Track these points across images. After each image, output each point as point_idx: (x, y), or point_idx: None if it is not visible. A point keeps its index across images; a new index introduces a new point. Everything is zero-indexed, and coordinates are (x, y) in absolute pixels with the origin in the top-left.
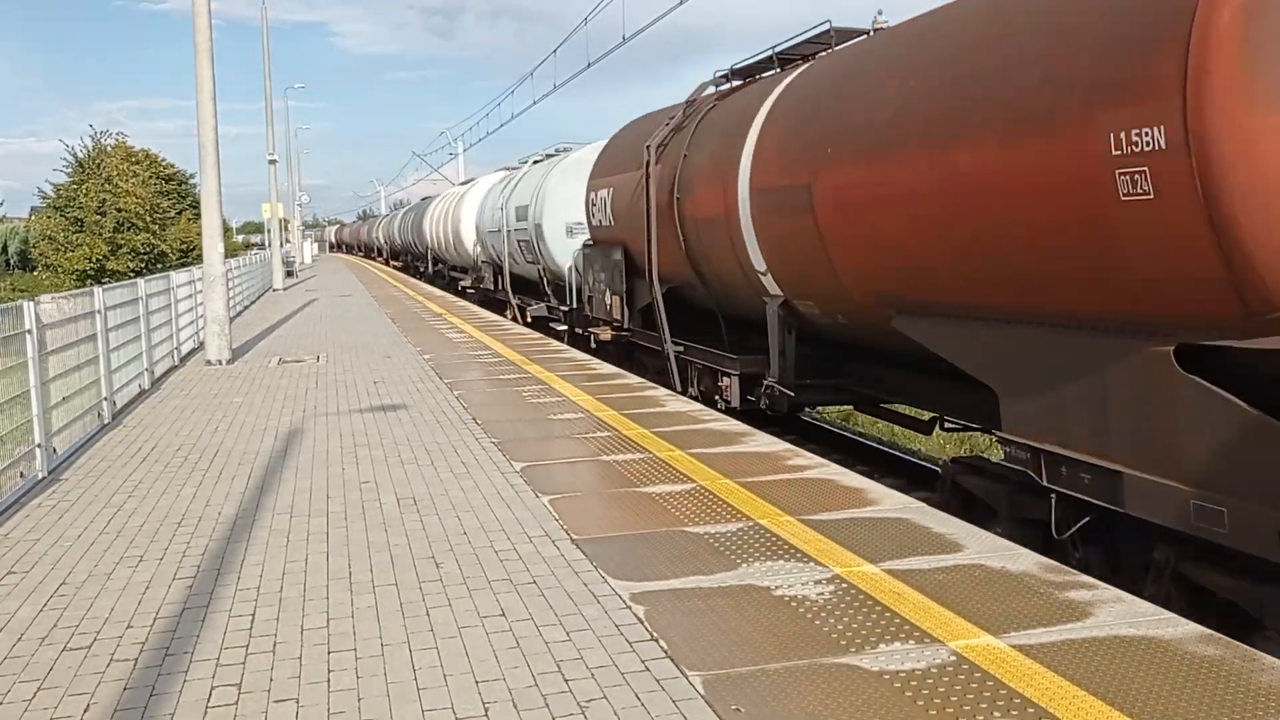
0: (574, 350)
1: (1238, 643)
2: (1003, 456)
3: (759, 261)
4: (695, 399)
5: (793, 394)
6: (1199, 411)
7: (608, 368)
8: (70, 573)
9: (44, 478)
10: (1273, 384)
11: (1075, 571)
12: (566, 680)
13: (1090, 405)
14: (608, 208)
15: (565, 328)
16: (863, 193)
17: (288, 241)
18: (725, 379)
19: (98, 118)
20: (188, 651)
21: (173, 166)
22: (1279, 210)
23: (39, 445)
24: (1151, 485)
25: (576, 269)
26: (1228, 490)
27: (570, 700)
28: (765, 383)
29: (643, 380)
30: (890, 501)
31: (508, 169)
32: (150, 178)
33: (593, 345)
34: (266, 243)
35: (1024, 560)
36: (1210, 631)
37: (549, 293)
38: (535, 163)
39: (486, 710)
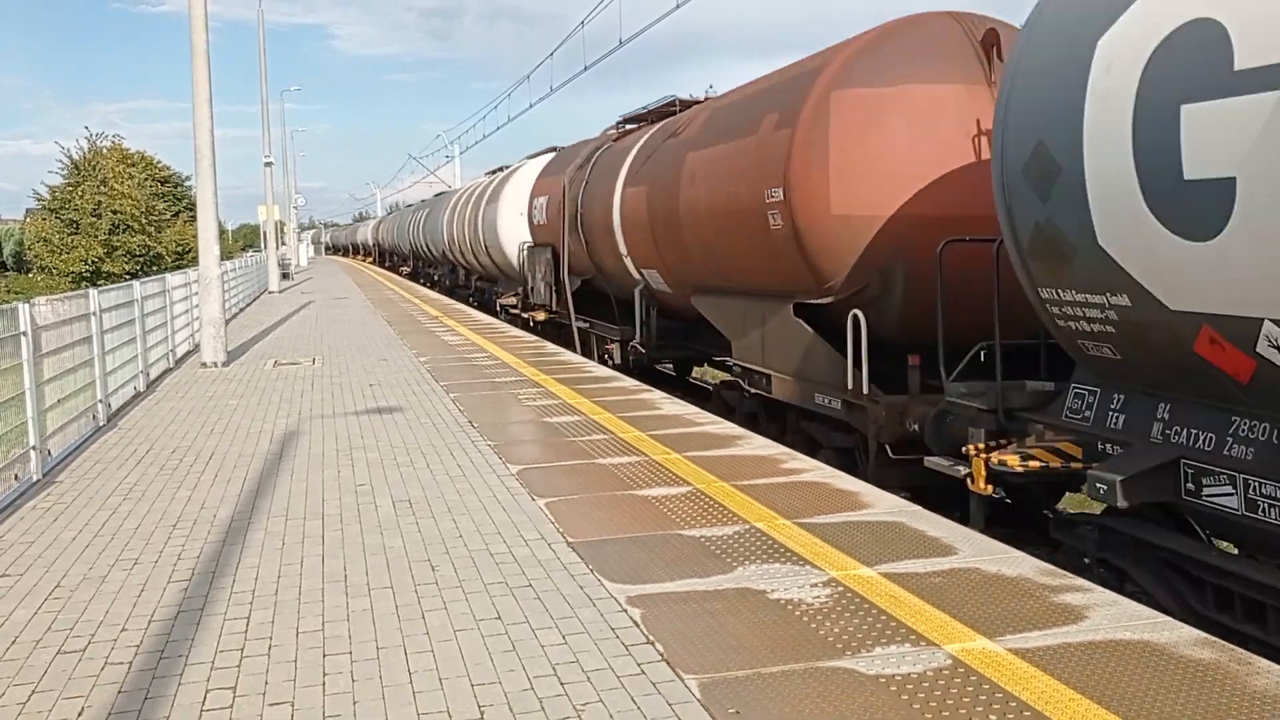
0: (569, 353)
1: (1233, 647)
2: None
3: (630, 261)
4: (594, 359)
5: (645, 351)
6: (799, 337)
7: (603, 370)
8: (65, 576)
9: (39, 480)
10: (831, 321)
11: (1070, 574)
12: (562, 683)
13: (761, 339)
14: (545, 213)
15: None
16: (669, 219)
17: (283, 244)
18: (611, 344)
19: (94, 119)
20: (183, 655)
21: (168, 169)
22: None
23: (34, 448)
24: (782, 379)
25: (523, 265)
26: (804, 376)
27: (566, 703)
28: (630, 344)
29: (638, 384)
30: (885, 505)
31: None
32: (146, 180)
33: (531, 325)
34: (261, 246)
35: (1019, 564)
36: (1205, 635)
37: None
38: (492, 173)
39: (482, 713)
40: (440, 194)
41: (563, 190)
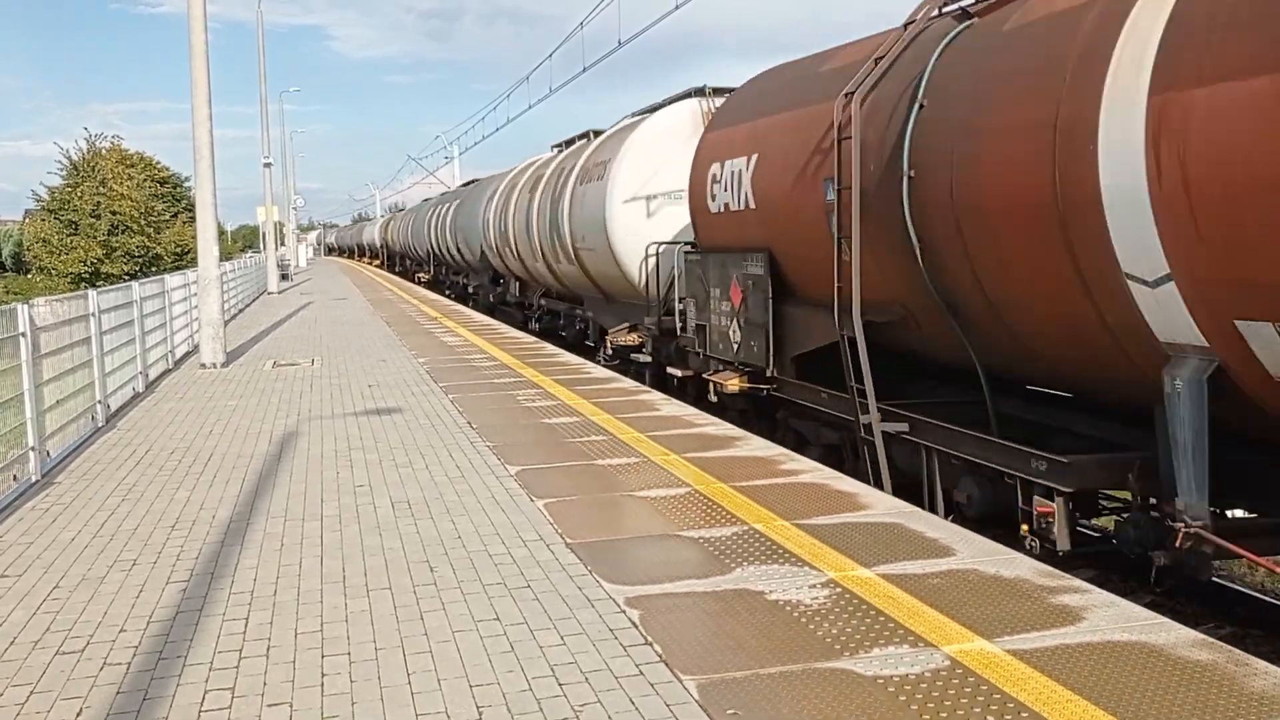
0: (569, 355)
1: (1230, 648)
2: None
3: (1177, 302)
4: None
5: (1204, 531)
6: None
7: (603, 371)
8: (63, 576)
9: (37, 481)
10: None
11: (1068, 575)
12: (561, 685)
13: None
14: (744, 189)
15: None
16: None
17: (282, 245)
18: (1046, 505)
19: (93, 120)
20: (181, 656)
21: (167, 169)
22: None
23: (32, 448)
24: None
25: (667, 279)
26: None
27: (564, 704)
28: (1183, 528)
29: (638, 384)
30: (883, 506)
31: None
32: (145, 180)
33: (711, 399)
34: (261, 247)
35: (1017, 565)
36: (1203, 636)
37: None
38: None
39: (480, 714)
40: (473, 181)
41: (832, 131)
